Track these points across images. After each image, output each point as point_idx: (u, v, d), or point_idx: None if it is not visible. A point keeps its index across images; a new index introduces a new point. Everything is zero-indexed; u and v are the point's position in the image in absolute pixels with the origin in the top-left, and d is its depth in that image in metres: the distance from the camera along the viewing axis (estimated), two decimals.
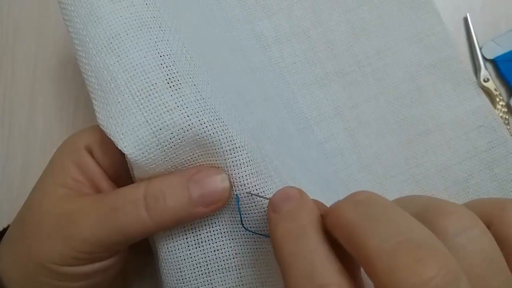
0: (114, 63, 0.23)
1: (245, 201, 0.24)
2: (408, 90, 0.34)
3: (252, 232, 0.24)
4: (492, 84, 0.35)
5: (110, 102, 0.23)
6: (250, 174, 0.23)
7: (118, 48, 0.23)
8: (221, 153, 0.23)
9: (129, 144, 0.22)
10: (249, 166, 0.23)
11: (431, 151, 0.34)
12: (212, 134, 0.23)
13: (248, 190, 0.23)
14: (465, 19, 0.36)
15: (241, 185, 0.23)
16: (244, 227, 0.24)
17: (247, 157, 0.23)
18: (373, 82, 0.34)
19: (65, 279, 0.24)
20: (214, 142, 0.23)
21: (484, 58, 0.35)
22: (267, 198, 0.23)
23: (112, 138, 0.23)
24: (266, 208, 0.23)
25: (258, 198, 0.23)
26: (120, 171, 0.25)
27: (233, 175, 0.23)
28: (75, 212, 0.24)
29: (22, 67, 0.37)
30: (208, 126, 0.23)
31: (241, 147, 0.23)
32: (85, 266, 0.24)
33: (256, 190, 0.23)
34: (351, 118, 0.34)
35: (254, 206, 0.23)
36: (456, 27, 0.36)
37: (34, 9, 0.37)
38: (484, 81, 0.35)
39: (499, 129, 0.33)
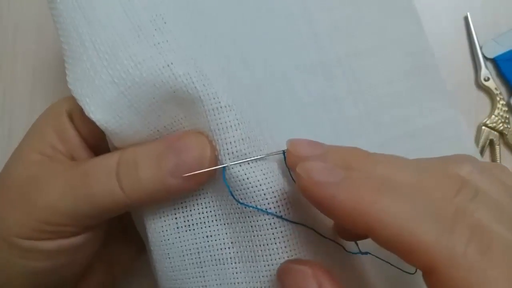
0: (79, 18, 0.20)
1: (237, 172, 0.20)
2: (385, 94, 0.33)
3: (247, 206, 0.20)
4: (493, 83, 0.35)
5: (76, 62, 0.21)
6: (240, 140, 0.20)
7: (84, 1, 0.21)
8: (203, 113, 0.19)
9: (96, 108, 0.20)
10: (238, 130, 0.19)
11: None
12: (189, 90, 0.19)
13: (237, 159, 0.20)
14: (466, 18, 0.36)
15: (228, 153, 0.20)
16: (235, 199, 0.20)
17: (235, 119, 0.19)
18: (352, 81, 0.33)
19: (28, 256, 0.21)
20: (194, 100, 0.19)
21: (484, 57, 0.35)
22: (259, 158, 0.19)
23: (79, 103, 0.20)
24: (260, 180, 0.20)
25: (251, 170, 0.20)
26: (100, 141, 0.23)
27: (219, 140, 0.19)
28: (42, 176, 0.21)
29: (22, 67, 0.37)
30: (185, 80, 0.19)
31: (227, 106, 0.19)
32: (50, 242, 0.21)
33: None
34: (334, 109, 0.32)
35: (247, 179, 0.20)
36: (456, 26, 0.36)
37: (34, 8, 0.37)
38: (485, 80, 0.35)
39: (467, 142, 0.33)
